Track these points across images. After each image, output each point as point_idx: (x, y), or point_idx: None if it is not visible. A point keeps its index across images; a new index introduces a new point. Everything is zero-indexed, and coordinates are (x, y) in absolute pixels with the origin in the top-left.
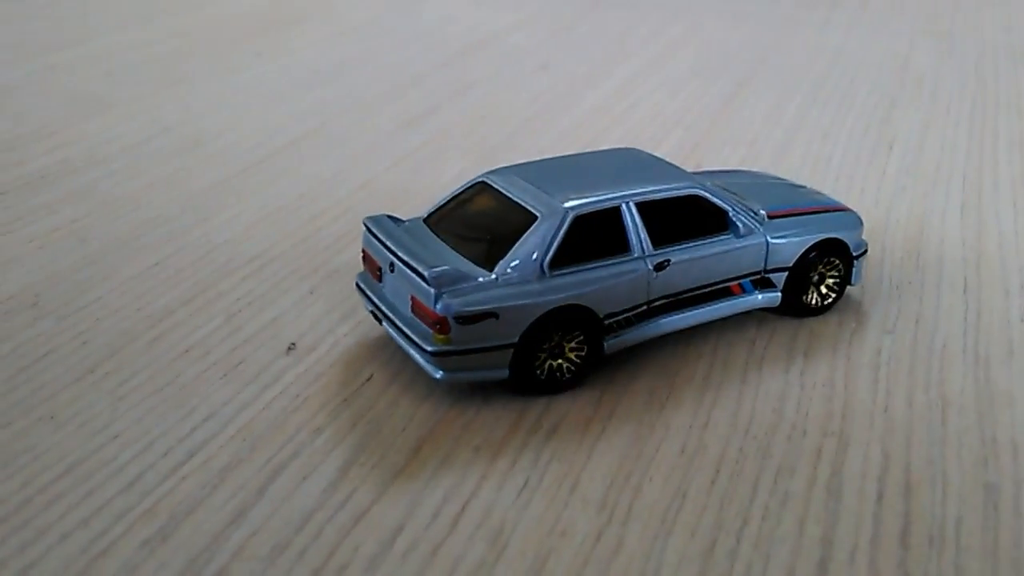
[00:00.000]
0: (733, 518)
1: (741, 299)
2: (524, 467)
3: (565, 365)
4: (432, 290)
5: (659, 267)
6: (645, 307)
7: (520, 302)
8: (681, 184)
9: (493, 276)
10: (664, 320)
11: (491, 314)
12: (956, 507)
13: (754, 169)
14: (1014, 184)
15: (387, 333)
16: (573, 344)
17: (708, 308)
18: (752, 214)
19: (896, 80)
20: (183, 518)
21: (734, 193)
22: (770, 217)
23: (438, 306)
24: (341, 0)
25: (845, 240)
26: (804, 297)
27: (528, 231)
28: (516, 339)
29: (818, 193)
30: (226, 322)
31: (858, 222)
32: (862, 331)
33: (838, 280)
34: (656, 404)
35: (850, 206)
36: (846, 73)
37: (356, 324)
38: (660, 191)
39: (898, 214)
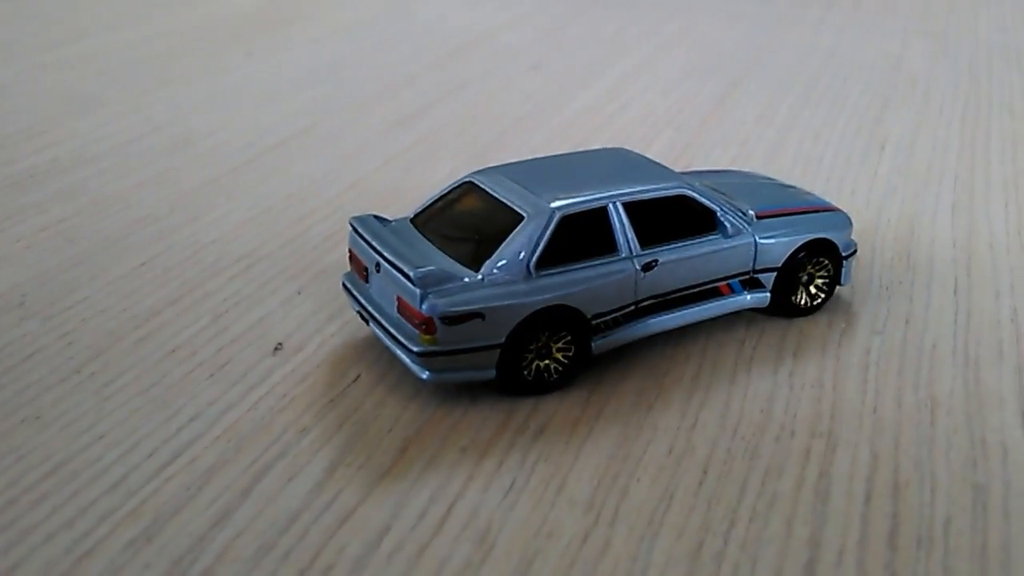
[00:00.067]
0: (720, 519)
1: (730, 299)
2: (511, 468)
3: (552, 366)
4: (418, 290)
5: (647, 267)
6: (633, 307)
7: (506, 302)
8: (669, 184)
9: (479, 276)
10: (652, 320)
11: (477, 314)
12: (944, 508)
13: (745, 169)
14: (1006, 185)
15: (374, 334)
16: (560, 344)
17: (697, 308)
18: (740, 214)
19: (889, 80)
20: (168, 519)
21: (722, 193)
22: (759, 217)
23: (424, 306)
24: (332, 0)
25: (834, 240)
26: (793, 297)
27: (514, 231)
28: (503, 339)
29: (807, 193)
30: (213, 322)
31: (847, 222)
32: (851, 331)
33: (827, 280)
34: (644, 405)
35: (841, 206)
36: (839, 73)
37: (343, 324)
38: (647, 191)
39: (889, 214)
